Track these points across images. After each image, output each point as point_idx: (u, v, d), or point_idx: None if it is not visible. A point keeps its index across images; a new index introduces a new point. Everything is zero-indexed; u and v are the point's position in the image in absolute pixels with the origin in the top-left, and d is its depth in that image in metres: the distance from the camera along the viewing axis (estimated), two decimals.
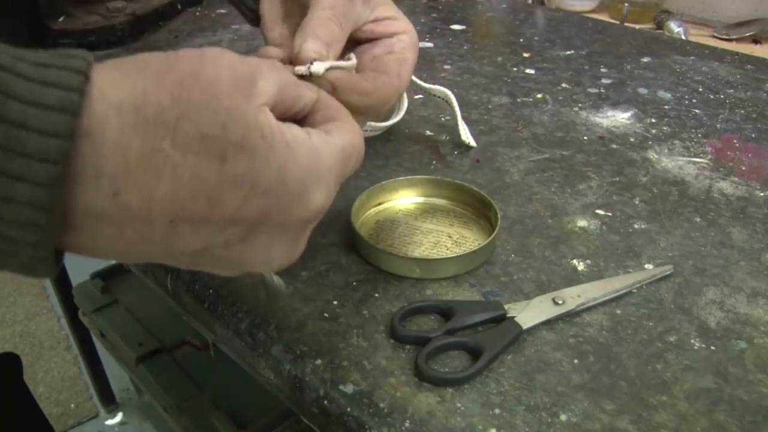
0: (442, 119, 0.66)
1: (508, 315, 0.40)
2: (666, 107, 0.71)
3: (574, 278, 0.44)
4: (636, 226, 0.50)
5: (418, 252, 0.46)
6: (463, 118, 0.62)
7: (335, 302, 0.42)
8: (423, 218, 0.50)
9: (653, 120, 0.68)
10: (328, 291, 0.43)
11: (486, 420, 0.34)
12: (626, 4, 1.22)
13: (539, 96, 0.73)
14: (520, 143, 0.62)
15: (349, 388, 0.36)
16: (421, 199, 0.52)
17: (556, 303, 0.41)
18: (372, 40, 0.40)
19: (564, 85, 0.76)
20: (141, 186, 0.23)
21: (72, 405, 1.41)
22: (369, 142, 0.60)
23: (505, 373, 0.37)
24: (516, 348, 0.39)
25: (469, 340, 0.38)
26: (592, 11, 1.31)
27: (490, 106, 0.70)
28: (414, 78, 0.54)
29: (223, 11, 0.99)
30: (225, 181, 0.25)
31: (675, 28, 1.17)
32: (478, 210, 0.50)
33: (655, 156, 0.61)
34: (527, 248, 0.47)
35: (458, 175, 0.56)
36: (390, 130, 0.63)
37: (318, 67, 0.33)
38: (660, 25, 1.22)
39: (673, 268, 0.45)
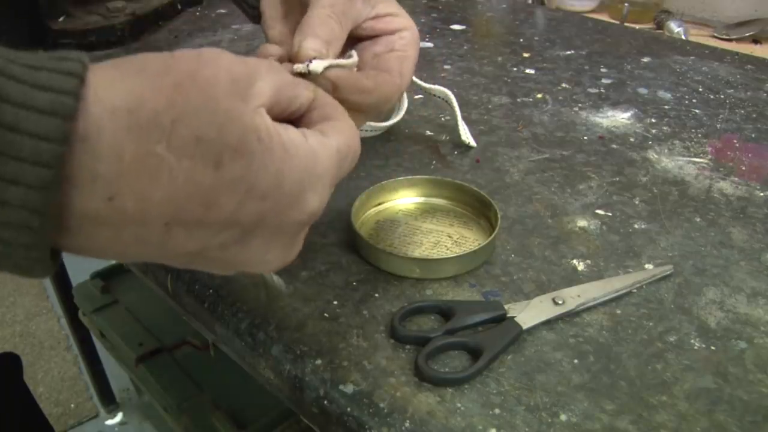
0: (442, 119, 0.66)
1: (508, 315, 0.40)
2: (666, 107, 0.71)
3: (574, 278, 0.44)
4: (636, 226, 0.50)
5: (418, 252, 0.46)
6: (463, 118, 0.62)
7: (335, 302, 0.42)
8: (423, 218, 0.50)
9: (653, 120, 0.68)
10: (328, 291, 0.43)
11: (486, 420, 0.34)
12: (626, 4, 1.22)
13: (539, 96, 0.73)
14: (520, 143, 0.62)
15: (349, 388, 0.36)
16: (421, 199, 0.52)
17: (556, 303, 0.41)
18: (373, 37, 0.39)
19: (564, 85, 0.76)
20: (136, 189, 0.23)
21: (72, 405, 1.41)
22: (369, 142, 0.60)
23: (505, 373, 0.37)
24: (516, 348, 0.39)
25: (469, 340, 0.38)
26: (592, 11, 1.31)
27: (490, 106, 0.70)
28: (414, 78, 0.54)
29: (223, 11, 0.99)
30: (220, 184, 0.24)
31: (675, 28, 1.17)
32: (478, 210, 0.50)
33: (655, 156, 0.61)
34: (527, 248, 0.47)
35: (458, 175, 0.56)
36: (390, 130, 0.63)
37: (317, 66, 0.33)
38: (660, 25, 1.22)
39: (673, 268, 0.45)
